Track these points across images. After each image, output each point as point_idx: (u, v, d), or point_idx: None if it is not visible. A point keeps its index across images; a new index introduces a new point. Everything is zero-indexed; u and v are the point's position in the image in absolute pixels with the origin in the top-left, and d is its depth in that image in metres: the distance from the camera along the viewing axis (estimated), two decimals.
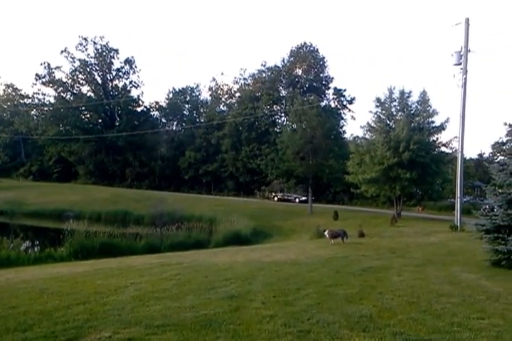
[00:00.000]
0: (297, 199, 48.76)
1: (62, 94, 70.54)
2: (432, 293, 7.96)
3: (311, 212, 38.37)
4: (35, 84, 69.06)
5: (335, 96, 63.12)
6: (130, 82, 72.06)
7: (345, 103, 62.77)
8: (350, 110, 63.01)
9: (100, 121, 73.49)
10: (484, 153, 67.96)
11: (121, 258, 15.63)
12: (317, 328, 5.68)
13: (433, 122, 34.24)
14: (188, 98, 75.81)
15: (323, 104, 56.05)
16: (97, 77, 71.19)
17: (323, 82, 63.41)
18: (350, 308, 6.72)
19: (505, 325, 5.99)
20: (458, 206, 24.74)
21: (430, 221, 31.69)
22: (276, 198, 49.75)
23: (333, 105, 62.67)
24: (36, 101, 71.38)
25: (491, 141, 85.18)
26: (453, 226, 23.72)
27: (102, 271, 10.88)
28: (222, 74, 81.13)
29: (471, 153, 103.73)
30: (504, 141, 13.24)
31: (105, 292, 7.98)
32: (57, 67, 69.01)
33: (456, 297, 7.64)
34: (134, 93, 72.77)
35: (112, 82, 72.27)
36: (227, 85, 71.67)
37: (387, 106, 35.02)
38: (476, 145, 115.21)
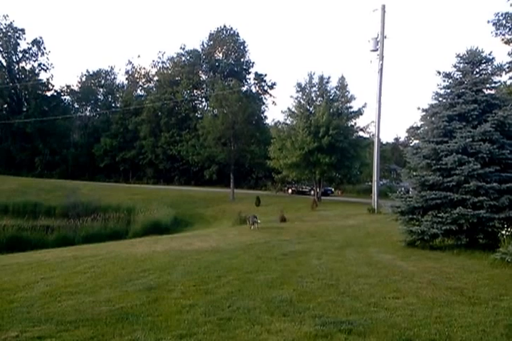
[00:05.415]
0: (312, 192, 44.23)
1: None
2: (351, 274, 8.13)
3: (233, 198, 38.55)
4: None
5: (256, 81, 63.44)
6: (38, 65, 67.58)
7: (266, 88, 63.32)
8: (271, 95, 63.79)
9: (6, 106, 68.23)
10: (400, 138, 72.26)
11: (31, 252, 14.86)
12: (237, 315, 5.62)
13: (351, 107, 35.66)
14: (103, 82, 72.97)
15: (244, 89, 56.03)
16: (1, 58, 65.88)
17: (244, 67, 63.46)
18: (271, 293, 6.70)
19: (418, 303, 6.21)
20: (375, 189, 25.49)
21: (349, 204, 33.04)
22: (290, 190, 46.30)
23: (254, 90, 62.96)
24: None
25: (406, 125, 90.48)
26: (370, 208, 24.59)
27: (8, 267, 10.11)
28: (138, 56, 78.24)
29: (387, 137, 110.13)
30: (418, 125, 13.93)
31: (12, 288, 7.41)
32: None
33: (373, 278, 7.85)
34: (43, 76, 68.40)
35: (18, 65, 67.31)
36: (144, 69, 69.61)
37: (307, 91, 35.78)
38: (393, 129, 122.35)
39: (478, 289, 6.95)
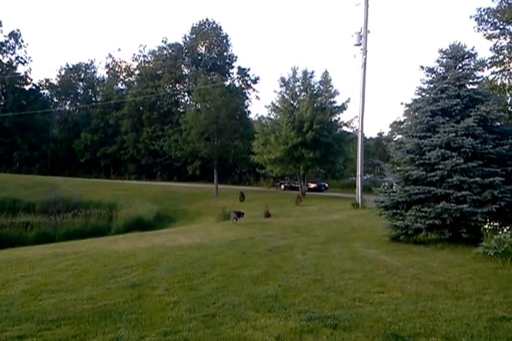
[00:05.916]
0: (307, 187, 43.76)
1: None
2: (335, 269, 8.13)
3: (217, 193, 38.40)
4: None
5: (239, 76, 63.24)
6: (16, 58, 66.20)
7: (249, 82, 63.17)
8: (254, 90, 63.70)
9: None
10: (384, 133, 73.02)
11: (10, 249, 14.72)
12: (222, 311, 5.58)
13: (335, 102, 35.67)
14: (83, 75, 72.00)
15: (227, 83, 55.84)
16: None
17: (227, 61, 63.19)
18: (256, 289, 6.67)
19: (403, 297, 6.22)
20: (359, 184, 25.47)
21: (333, 199, 33.13)
22: (282, 186, 45.65)
23: (237, 84, 62.73)
24: None
25: (390, 120, 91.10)
26: (354, 203, 24.63)
27: None
28: (119, 50, 77.25)
29: (371, 132, 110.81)
30: (402, 120, 14.03)
31: None
32: None
33: (358, 272, 7.85)
34: (21, 69, 67.15)
35: None
36: (125, 62, 68.82)
37: (291, 86, 35.71)
38: (376, 124, 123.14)
39: (462, 283, 6.99)
